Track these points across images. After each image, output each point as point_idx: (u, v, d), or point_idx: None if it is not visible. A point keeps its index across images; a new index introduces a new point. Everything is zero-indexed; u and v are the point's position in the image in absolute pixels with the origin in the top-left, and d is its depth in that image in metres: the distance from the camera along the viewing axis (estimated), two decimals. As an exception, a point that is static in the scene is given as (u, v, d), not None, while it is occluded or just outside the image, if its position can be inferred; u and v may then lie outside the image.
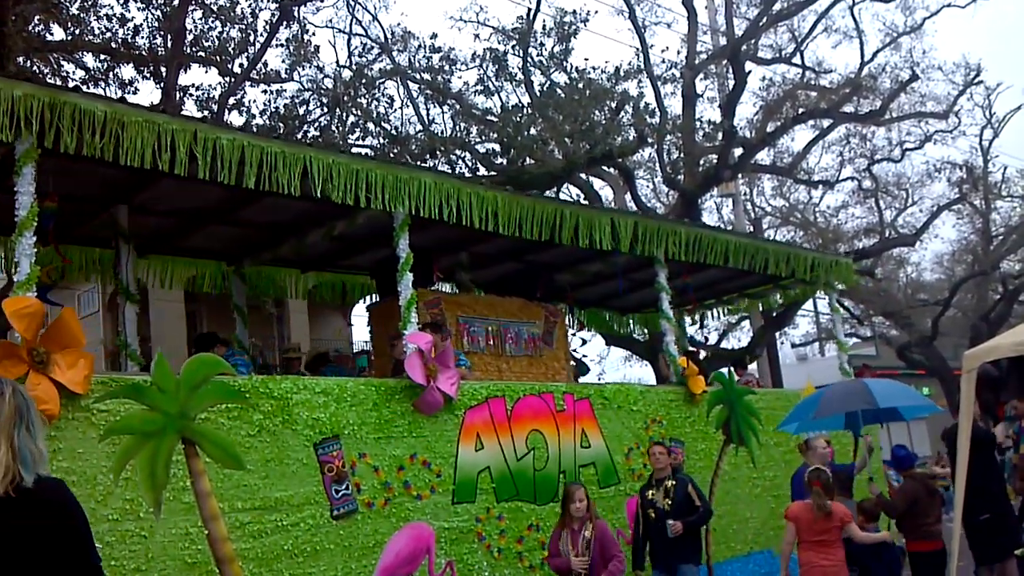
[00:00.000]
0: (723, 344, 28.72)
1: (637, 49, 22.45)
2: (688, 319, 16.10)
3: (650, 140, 20.88)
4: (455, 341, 10.15)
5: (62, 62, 16.80)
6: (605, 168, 22.54)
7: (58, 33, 16.44)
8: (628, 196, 23.21)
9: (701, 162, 22.12)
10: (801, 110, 23.53)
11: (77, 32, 16.48)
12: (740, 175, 25.12)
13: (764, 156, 25.82)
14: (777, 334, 27.88)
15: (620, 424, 10.23)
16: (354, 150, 18.84)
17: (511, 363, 11.02)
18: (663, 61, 23.04)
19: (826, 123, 25.29)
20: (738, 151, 22.35)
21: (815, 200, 31.33)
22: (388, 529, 7.88)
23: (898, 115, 26.44)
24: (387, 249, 9.14)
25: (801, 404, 10.65)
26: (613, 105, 20.42)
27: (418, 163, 18.23)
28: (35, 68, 15.52)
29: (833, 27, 25.24)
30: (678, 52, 29.32)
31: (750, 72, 22.55)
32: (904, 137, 28.43)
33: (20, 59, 13.84)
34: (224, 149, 7.38)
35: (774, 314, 25.71)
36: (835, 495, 8.30)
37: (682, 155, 21.86)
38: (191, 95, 17.98)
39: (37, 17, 15.39)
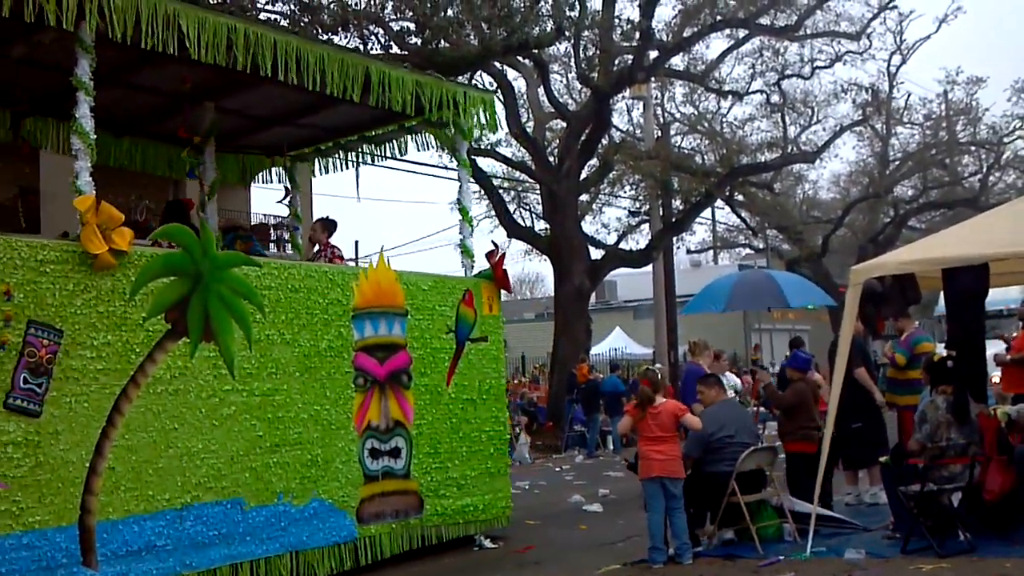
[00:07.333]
0: (621, 245, 28.95)
1: (561, -61, 21.97)
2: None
3: (567, 33, 20.65)
4: None
5: None
6: (520, 59, 22.29)
7: None
8: (541, 89, 23.05)
9: (616, 61, 22.01)
10: (719, 18, 23.49)
11: None
12: (653, 78, 25.14)
13: (678, 61, 25.84)
14: (675, 239, 28.33)
15: None
16: (262, 16, 18.23)
17: None
18: (587, -47, 22.64)
19: (742, 34, 25.36)
20: (653, 54, 22.33)
21: (723, 111, 31.59)
22: None
23: (812, 32, 26.68)
24: None
25: (707, 291, 10.77)
26: (533, -6, 20.01)
27: (329, 36, 17.65)
28: None
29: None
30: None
31: (673, -28, 22.39)
32: (815, 55, 28.77)
33: None
34: None
35: (672, 219, 26.18)
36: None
37: (598, 52, 21.71)
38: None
39: None
